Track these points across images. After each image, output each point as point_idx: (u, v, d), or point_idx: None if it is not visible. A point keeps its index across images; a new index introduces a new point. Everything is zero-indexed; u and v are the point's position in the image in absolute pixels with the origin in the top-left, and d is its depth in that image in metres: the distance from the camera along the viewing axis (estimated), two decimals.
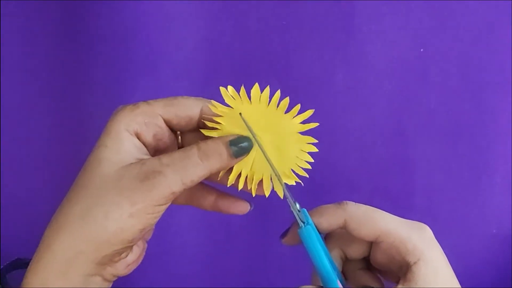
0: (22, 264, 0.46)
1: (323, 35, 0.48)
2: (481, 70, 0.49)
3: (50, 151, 0.51)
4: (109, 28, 0.48)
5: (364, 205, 0.35)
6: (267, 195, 0.33)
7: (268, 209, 0.50)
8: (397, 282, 0.33)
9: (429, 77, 0.49)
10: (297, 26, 0.48)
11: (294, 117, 0.32)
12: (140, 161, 0.31)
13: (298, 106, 0.32)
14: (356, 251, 0.36)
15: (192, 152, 0.31)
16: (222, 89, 0.32)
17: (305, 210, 0.34)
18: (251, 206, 0.35)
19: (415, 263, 0.32)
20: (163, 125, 0.33)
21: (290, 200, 0.34)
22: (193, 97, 0.33)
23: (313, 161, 0.33)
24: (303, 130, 0.33)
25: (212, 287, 0.54)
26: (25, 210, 0.52)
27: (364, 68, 0.49)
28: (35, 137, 0.50)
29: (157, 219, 0.31)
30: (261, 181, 0.33)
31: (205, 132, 0.33)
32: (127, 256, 0.32)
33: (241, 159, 0.32)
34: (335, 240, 0.36)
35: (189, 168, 0.30)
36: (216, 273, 0.54)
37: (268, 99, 0.32)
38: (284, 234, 0.36)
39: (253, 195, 0.33)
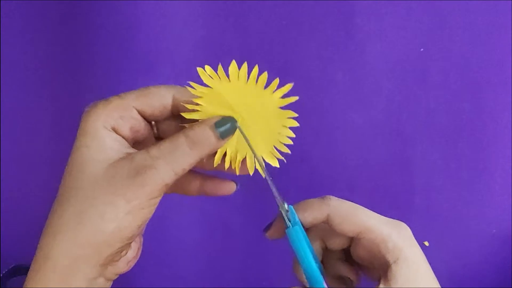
0: (21, 270, 0.46)
1: (323, 35, 0.48)
2: (481, 70, 0.49)
3: (50, 151, 0.51)
4: (109, 28, 0.48)
5: (347, 201, 0.35)
6: (251, 173, 0.33)
7: (268, 209, 0.50)
8: (378, 280, 0.34)
9: (429, 77, 0.49)
10: (297, 26, 0.48)
11: (273, 92, 0.32)
12: (128, 156, 0.30)
13: (277, 81, 0.32)
14: (336, 243, 0.36)
15: (181, 141, 0.30)
16: (199, 69, 0.32)
17: (292, 208, 0.35)
18: (237, 186, 0.35)
19: (395, 261, 0.33)
20: (138, 117, 0.32)
21: (278, 199, 0.34)
22: (164, 85, 0.33)
23: (294, 136, 0.33)
24: (283, 105, 0.32)
25: (212, 287, 0.54)
26: (25, 210, 0.52)
27: (364, 68, 0.49)
28: (35, 137, 0.50)
29: (152, 212, 0.31)
30: (244, 160, 0.33)
31: (186, 115, 0.32)
32: (127, 253, 0.32)
33: (227, 141, 0.32)
34: (316, 231, 0.37)
35: (179, 158, 0.30)
36: (215, 273, 0.54)
37: (247, 76, 0.32)
38: (267, 228, 0.37)
39: (237, 173, 0.33)
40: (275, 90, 0.32)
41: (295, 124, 0.32)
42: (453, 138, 0.51)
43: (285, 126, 0.32)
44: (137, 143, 0.33)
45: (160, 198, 0.31)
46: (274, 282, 0.54)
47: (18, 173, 0.51)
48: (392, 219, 0.35)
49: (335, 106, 0.49)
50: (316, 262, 0.34)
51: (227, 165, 0.33)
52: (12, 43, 0.48)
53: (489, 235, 0.53)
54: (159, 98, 0.32)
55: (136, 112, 0.32)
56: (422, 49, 0.48)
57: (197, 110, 0.32)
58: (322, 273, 0.34)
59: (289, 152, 0.33)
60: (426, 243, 0.50)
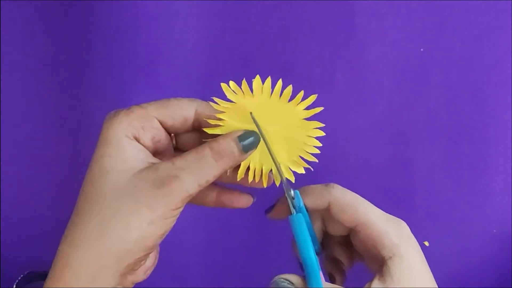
0: (37, 277, 0.46)
1: (323, 35, 0.48)
2: (481, 70, 0.49)
3: (50, 151, 0.51)
4: (108, 28, 0.48)
5: (350, 192, 0.35)
6: (277, 184, 0.34)
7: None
8: (374, 272, 0.34)
9: (429, 77, 0.49)
10: (297, 26, 0.48)
11: (298, 104, 0.32)
12: (153, 166, 0.30)
13: (302, 93, 0.32)
14: (335, 230, 0.37)
15: (206, 153, 0.31)
16: (223, 85, 0.33)
17: (299, 194, 0.35)
18: (253, 198, 0.36)
19: (390, 258, 0.33)
20: (160, 127, 0.32)
21: (285, 185, 0.34)
22: (186, 98, 0.33)
23: (321, 145, 0.33)
24: (308, 116, 0.33)
25: (212, 287, 0.54)
26: (25, 211, 0.52)
27: (364, 68, 0.49)
28: (35, 137, 0.50)
29: (174, 223, 0.31)
30: (270, 172, 0.34)
31: (209, 130, 0.33)
32: (145, 262, 0.32)
33: (250, 154, 0.32)
34: (318, 213, 0.37)
35: (204, 170, 0.30)
36: (216, 273, 0.54)
37: (271, 89, 0.32)
38: (269, 210, 0.37)
39: (265, 185, 0.34)
40: (300, 102, 0.33)
41: (321, 133, 0.33)
42: (453, 139, 0.51)
43: (311, 136, 0.33)
44: (158, 154, 0.34)
45: (182, 208, 0.31)
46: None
47: (18, 169, 0.51)
48: (391, 216, 0.35)
49: (335, 106, 0.49)
50: (315, 245, 0.34)
51: (250, 178, 0.34)
52: (12, 43, 0.48)
53: (489, 235, 0.53)
54: (180, 110, 0.33)
55: (158, 122, 0.32)
56: (422, 49, 0.48)
57: (220, 125, 0.33)
58: (319, 256, 0.35)
59: (316, 160, 0.34)
60: (426, 243, 0.50)
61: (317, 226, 0.37)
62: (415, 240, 0.35)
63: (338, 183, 0.35)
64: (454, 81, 0.49)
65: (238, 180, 0.34)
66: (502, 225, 0.53)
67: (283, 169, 0.33)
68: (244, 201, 0.35)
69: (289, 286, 0.34)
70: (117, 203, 0.29)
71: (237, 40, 0.49)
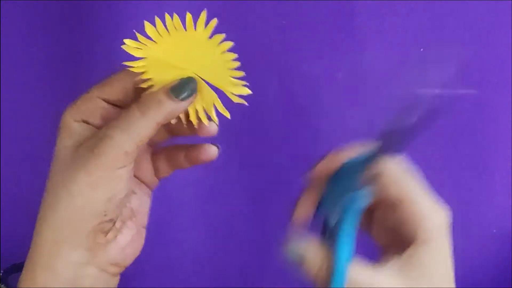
0: (21, 267, 0.46)
1: (323, 35, 0.48)
2: (481, 70, 0.49)
3: (49, 152, 0.51)
4: (108, 28, 0.48)
5: (402, 160, 0.34)
6: (216, 121, 0.33)
7: (269, 208, 0.50)
8: (384, 250, 0.33)
9: (429, 77, 0.49)
10: (297, 26, 0.48)
11: (216, 43, 0.32)
12: (92, 134, 0.31)
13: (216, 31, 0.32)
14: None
15: (132, 107, 0.31)
16: (146, 23, 0.33)
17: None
18: (218, 148, 0.35)
19: (422, 243, 0.31)
20: (106, 105, 0.33)
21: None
22: (124, 70, 0.33)
23: (243, 74, 0.32)
24: (224, 50, 0.33)
25: (212, 287, 0.54)
26: (25, 212, 0.52)
27: (364, 68, 0.49)
28: (35, 137, 0.50)
29: (123, 186, 0.31)
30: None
31: (127, 48, 0.33)
32: (115, 237, 0.32)
33: (190, 102, 0.32)
34: None
35: (132, 123, 0.30)
36: (216, 273, 0.54)
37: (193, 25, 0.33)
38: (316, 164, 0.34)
39: (206, 123, 0.33)
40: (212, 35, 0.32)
41: (237, 64, 0.32)
42: (453, 138, 0.51)
43: (232, 71, 0.32)
44: None
45: (126, 169, 0.30)
46: (275, 283, 0.54)
47: (18, 173, 0.51)
48: (438, 201, 0.34)
49: (335, 106, 0.49)
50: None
51: (194, 121, 0.33)
52: (12, 43, 0.48)
53: (489, 235, 0.53)
54: (119, 84, 0.33)
55: (102, 101, 0.33)
56: (422, 49, 0.48)
57: (149, 79, 0.33)
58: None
59: (250, 92, 0.33)
60: None
61: None
62: (449, 231, 0.33)
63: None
64: (454, 81, 0.49)
65: (184, 126, 0.33)
66: (502, 225, 0.53)
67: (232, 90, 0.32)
68: (208, 152, 0.35)
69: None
70: (62, 174, 0.30)
71: (237, 40, 0.49)
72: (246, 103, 0.32)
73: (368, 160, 0.32)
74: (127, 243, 0.33)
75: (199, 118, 0.33)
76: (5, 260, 0.52)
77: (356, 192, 0.31)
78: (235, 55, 0.32)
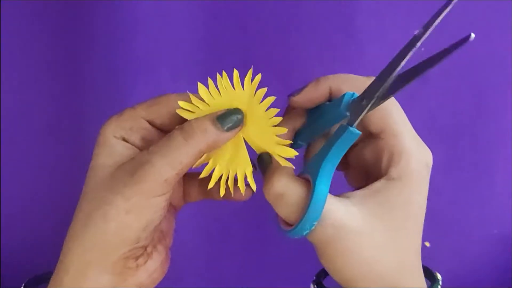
0: (44, 279, 0.46)
1: (323, 35, 0.48)
2: (481, 70, 0.49)
3: (49, 152, 0.51)
4: (108, 28, 0.48)
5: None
6: (243, 192, 0.32)
7: (268, 208, 0.50)
8: (355, 185, 0.31)
9: (429, 77, 0.49)
10: (297, 26, 0.48)
11: (260, 102, 0.31)
12: (132, 157, 0.30)
13: (271, 99, 0.30)
14: None
15: (175, 134, 0.29)
16: (199, 84, 0.32)
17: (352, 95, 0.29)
18: (253, 192, 0.33)
19: (397, 177, 0.29)
20: (149, 127, 0.32)
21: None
22: (174, 94, 0.32)
23: (286, 131, 0.31)
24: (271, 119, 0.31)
25: (212, 287, 0.54)
26: (25, 212, 0.52)
27: (364, 68, 0.48)
28: (35, 137, 0.50)
29: (159, 214, 0.30)
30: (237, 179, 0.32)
31: (184, 113, 0.32)
32: (145, 262, 0.31)
33: (234, 134, 0.31)
34: None
35: (174, 150, 0.29)
36: (215, 273, 0.54)
37: (253, 88, 0.31)
38: (295, 92, 0.32)
39: (232, 195, 0.32)
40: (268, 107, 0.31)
41: (284, 130, 0.30)
42: (453, 139, 0.51)
43: (276, 128, 0.31)
44: None
45: (165, 198, 0.30)
46: (273, 283, 0.54)
47: (18, 171, 0.51)
48: (421, 140, 0.32)
49: None
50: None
51: (222, 191, 0.31)
52: (12, 43, 0.48)
53: (490, 235, 0.53)
54: (166, 108, 0.32)
55: (146, 122, 0.32)
56: (422, 49, 0.48)
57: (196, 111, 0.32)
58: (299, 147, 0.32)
59: (297, 153, 0.31)
60: (427, 244, 0.50)
61: None
62: (429, 174, 0.31)
63: (338, 182, 0.32)
64: (454, 81, 0.49)
65: (208, 189, 0.32)
66: (502, 225, 0.53)
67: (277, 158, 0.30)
68: (246, 193, 0.33)
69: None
70: (98, 195, 0.29)
71: (237, 40, 0.49)
72: (293, 167, 0.30)
73: (355, 101, 0.29)
74: (156, 268, 0.32)
75: (225, 182, 0.32)
76: (5, 260, 0.51)
77: (343, 127, 0.28)
78: (277, 110, 0.30)
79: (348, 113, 0.29)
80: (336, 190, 0.30)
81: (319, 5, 0.47)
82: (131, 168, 0.29)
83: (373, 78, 0.29)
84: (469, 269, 0.54)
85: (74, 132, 0.50)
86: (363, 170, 0.32)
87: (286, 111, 0.34)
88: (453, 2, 0.29)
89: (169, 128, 0.32)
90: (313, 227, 0.28)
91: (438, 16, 0.29)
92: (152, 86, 0.49)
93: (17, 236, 0.52)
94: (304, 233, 0.29)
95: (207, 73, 0.50)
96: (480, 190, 0.52)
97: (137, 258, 0.30)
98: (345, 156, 0.30)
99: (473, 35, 0.26)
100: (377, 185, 0.30)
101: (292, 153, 0.30)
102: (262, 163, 0.32)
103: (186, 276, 0.54)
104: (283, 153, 0.30)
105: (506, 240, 0.53)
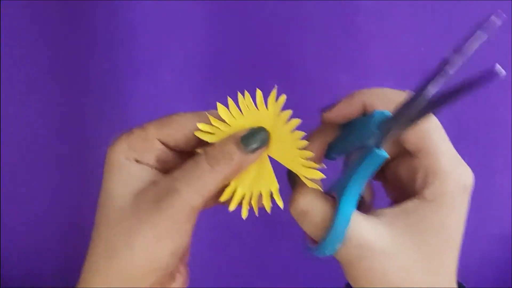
0: None
1: (324, 35, 0.48)
2: (481, 69, 0.49)
3: (50, 152, 0.51)
4: (108, 28, 0.48)
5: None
6: (269, 211, 0.31)
7: (272, 211, 0.49)
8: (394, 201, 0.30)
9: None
10: (297, 26, 0.48)
11: (291, 130, 0.30)
12: (153, 182, 0.29)
13: (297, 121, 0.30)
14: (386, 147, 0.30)
15: (201, 159, 0.28)
16: (219, 104, 0.30)
17: (383, 114, 0.28)
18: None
19: (431, 198, 0.28)
20: (163, 147, 0.30)
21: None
22: (188, 113, 0.30)
23: (312, 154, 0.30)
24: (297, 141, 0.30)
25: (212, 287, 0.54)
26: (25, 212, 0.52)
27: (365, 68, 0.49)
28: (35, 138, 0.50)
29: (187, 239, 0.29)
30: (260, 198, 0.31)
31: (205, 136, 0.30)
32: (170, 285, 0.30)
33: (260, 155, 0.29)
34: None
35: (201, 178, 0.28)
36: (215, 273, 0.54)
37: (277, 107, 0.30)
38: (327, 108, 0.31)
39: (256, 213, 0.31)
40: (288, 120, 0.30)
41: (310, 154, 0.30)
42: (454, 139, 0.50)
43: (302, 151, 0.30)
44: (170, 172, 0.31)
45: (192, 223, 0.29)
46: (276, 283, 0.54)
47: (18, 172, 0.51)
48: (461, 159, 0.30)
49: None
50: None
51: (232, 205, 0.30)
52: (12, 43, 0.48)
53: (490, 236, 0.53)
54: (181, 129, 0.30)
55: (159, 143, 0.30)
56: (423, 49, 0.48)
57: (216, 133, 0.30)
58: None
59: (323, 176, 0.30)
60: None
61: None
62: (468, 196, 0.30)
63: (378, 192, 0.31)
64: (454, 81, 0.49)
65: (222, 200, 0.30)
66: (502, 225, 0.53)
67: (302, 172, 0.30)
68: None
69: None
70: (121, 224, 0.28)
71: (237, 40, 0.49)
72: (321, 189, 0.29)
73: (389, 119, 0.28)
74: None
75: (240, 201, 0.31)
76: (5, 260, 0.51)
77: (372, 149, 0.28)
78: (303, 133, 0.29)
79: (378, 131, 0.28)
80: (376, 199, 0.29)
81: (320, 5, 0.47)
82: (155, 197, 0.28)
83: (408, 92, 0.28)
84: (469, 269, 0.53)
85: (74, 132, 0.50)
86: (399, 185, 0.31)
87: (318, 126, 0.33)
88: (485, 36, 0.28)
89: (183, 149, 0.31)
90: (336, 248, 0.28)
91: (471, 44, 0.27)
92: (153, 86, 0.49)
93: (17, 236, 0.52)
94: (327, 254, 0.28)
95: (208, 73, 0.50)
96: (479, 190, 0.51)
97: (162, 283, 0.30)
98: (382, 168, 0.29)
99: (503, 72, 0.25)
100: (409, 204, 0.29)
101: (319, 175, 0.29)
102: (291, 178, 0.31)
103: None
104: (310, 174, 0.29)
105: (506, 240, 0.53)
